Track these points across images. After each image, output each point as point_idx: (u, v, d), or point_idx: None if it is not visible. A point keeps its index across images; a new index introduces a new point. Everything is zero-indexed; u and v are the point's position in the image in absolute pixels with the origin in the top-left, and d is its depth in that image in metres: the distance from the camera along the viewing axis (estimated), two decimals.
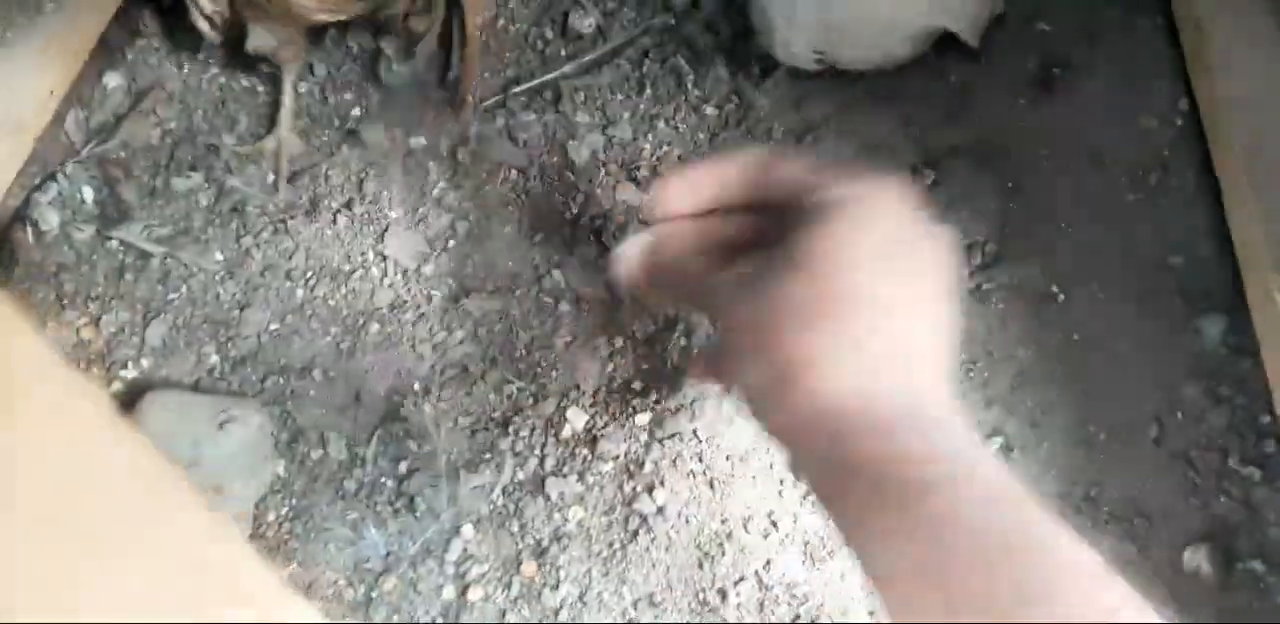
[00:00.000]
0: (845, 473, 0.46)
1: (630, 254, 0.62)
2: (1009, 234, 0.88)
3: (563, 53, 1.06)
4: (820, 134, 0.96)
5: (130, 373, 0.88)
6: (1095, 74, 0.95)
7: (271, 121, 0.99)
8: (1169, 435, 0.78)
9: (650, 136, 1.00)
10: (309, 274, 0.93)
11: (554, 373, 0.86)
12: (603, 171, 0.98)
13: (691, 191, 0.59)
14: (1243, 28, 0.83)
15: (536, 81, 1.04)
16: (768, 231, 0.55)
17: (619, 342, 0.87)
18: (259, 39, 0.92)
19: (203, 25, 0.92)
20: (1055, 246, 0.87)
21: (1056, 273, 0.86)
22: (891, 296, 0.49)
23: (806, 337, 0.48)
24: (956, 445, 0.47)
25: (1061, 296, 0.85)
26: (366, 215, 0.95)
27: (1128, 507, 0.76)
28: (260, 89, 1.05)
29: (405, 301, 0.91)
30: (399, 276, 0.92)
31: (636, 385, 0.85)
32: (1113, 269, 0.85)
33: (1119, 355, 0.82)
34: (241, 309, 0.90)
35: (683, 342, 0.86)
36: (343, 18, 0.92)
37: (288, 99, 0.99)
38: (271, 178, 0.97)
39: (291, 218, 0.95)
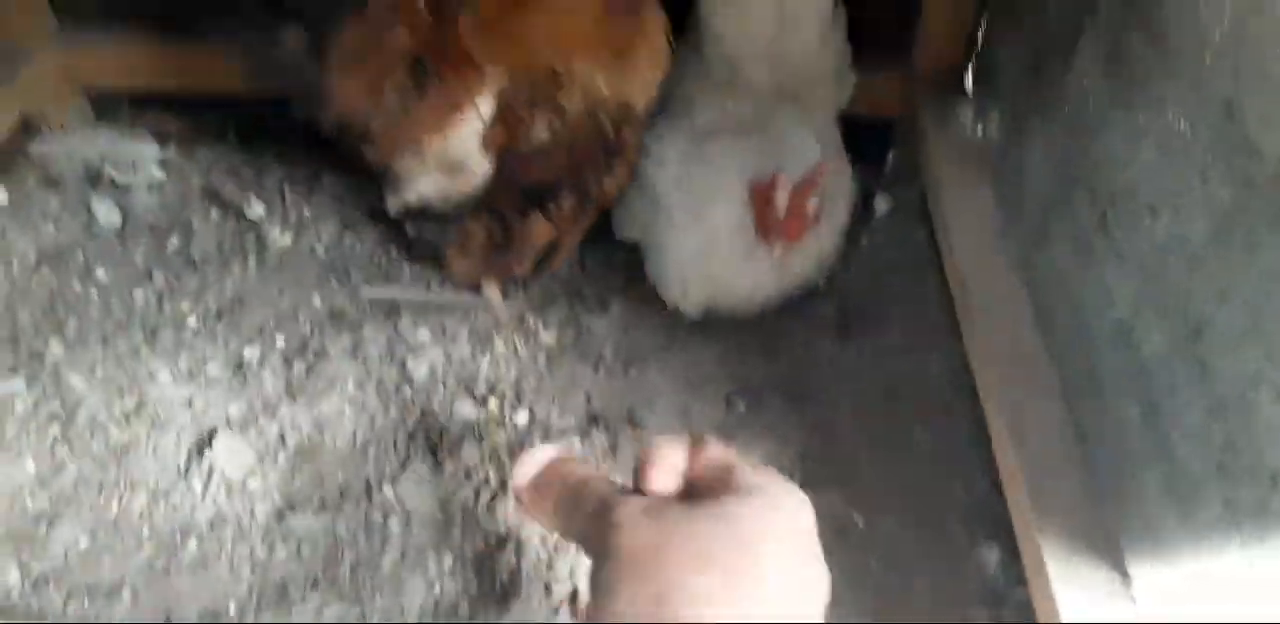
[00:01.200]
0: None
1: (541, 456, 0.64)
2: (812, 464, 0.96)
3: (406, 272, 1.12)
4: (647, 363, 1.04)
5: None
6: (887, 321, 1.08)
7: None
8: None
9: (488, 355, 1.05)
10: (126, 486, 0.90)
11: (378, 595, 0.85)
12: (441, 387, 1.02)
13: (673, 471, 0.62)
14: (1000, 290, 0.97)
15: (381, 294, 1.09)
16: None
17: (448, 561, 0.88)
18: None
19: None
20: (856, 477, 0.95)
21: (856, 501, 0.93)
22: (785, 570, 0.54)
23: (704, 576, 0.52)
24: None
25: (861, 523, 0.92)
26: (194, 426, 0.95)
27: None
28: (93, 293, 1.05)
29: (227, 518, 0.89)
30: (222, 491, 0.91)
31: (463, 608, 0.85)
32: (906, 499, 0.94)
33: (913, 580, 0.89)
34: (49, 524, 0.87)
35: (512, 561, 0.88)
36: None
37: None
38: (110, 385, 0.96)
39: (120, 427, 0.93)
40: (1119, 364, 0.77)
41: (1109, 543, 0.76)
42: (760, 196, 0.97)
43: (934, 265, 1.12)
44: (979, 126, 1.12)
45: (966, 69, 1.17)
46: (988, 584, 0.88)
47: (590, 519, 0.57)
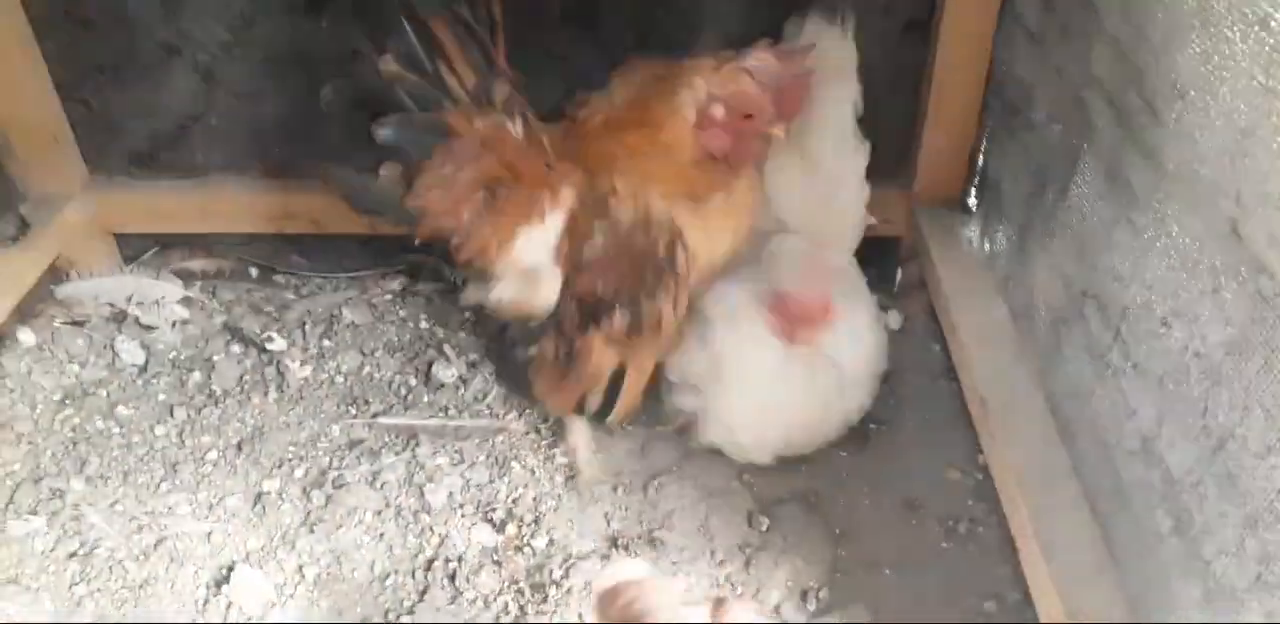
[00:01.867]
0: None
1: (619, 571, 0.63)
2: (839, 579, 0.94)
3: (425, 399, 1.14)
4: (665, 481, 1.04)
5: None
6: (904, 430, 1.08)
7: None
8: None
9: (506, 479, 1.05)
10: None
11: None
12: (459, 513, 1.01)
13: None
14: (1018, 403, 0.97)
15: (399, 422, 1.10)
16: None
17: None
18: None
19: None
20: (882, 592, 0.93)
21: (884, 618, 0.91)
22: None
23: None
24: None
25: None
26: (213, 561, 0.94)
27: None
28: (115, 430, 1.06)
29: None
30: None
31: None
32: (935, 614, 0.91)
33: None
34: None
35: None
36: None
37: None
38: (129, 521, 0.96)
39: (138, 563, 0.93)
40: (1145, 476, 0.76)
41: None
42: (775, 308, 0.98)
43: (948, 377, 1.12)
44: (984, 243, 1.15)
45: (969, 187, 1.20)
46: None
47: None
